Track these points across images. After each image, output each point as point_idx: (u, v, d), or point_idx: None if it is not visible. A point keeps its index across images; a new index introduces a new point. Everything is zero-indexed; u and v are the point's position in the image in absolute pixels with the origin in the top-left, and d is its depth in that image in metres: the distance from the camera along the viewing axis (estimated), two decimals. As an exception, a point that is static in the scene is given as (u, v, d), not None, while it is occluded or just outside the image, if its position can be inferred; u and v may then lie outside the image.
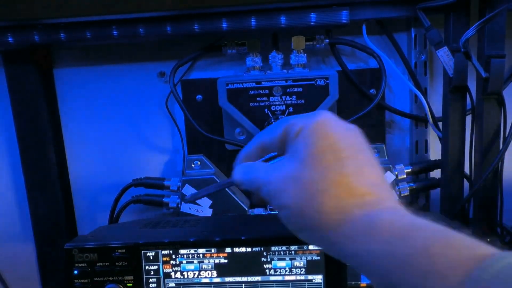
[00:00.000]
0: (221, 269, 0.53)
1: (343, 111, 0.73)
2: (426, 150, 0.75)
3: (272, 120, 0.68)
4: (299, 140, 0.33)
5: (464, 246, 0.26)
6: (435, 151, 0.75)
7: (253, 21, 0.64)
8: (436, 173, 0.73)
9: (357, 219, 0.30)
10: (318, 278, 0.52)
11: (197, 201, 0.71)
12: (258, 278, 0.53)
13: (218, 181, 0.71)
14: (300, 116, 0.35)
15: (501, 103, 0.61)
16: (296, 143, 0.34)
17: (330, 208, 0.31)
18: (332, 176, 0.31)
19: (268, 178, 0.35)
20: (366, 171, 0.32)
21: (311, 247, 0.52)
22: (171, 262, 0.53)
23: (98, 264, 0.53)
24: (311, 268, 0.52)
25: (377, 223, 0.29)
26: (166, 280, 0.53)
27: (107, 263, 0.53)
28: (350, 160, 0.32)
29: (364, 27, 0.68)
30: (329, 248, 0.32)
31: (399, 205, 0.32)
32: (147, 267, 0.53)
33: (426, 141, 0.75)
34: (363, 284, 0.52)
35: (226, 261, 0.53)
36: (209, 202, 0.71)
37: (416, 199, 0.77)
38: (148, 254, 0.53)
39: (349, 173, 0.31)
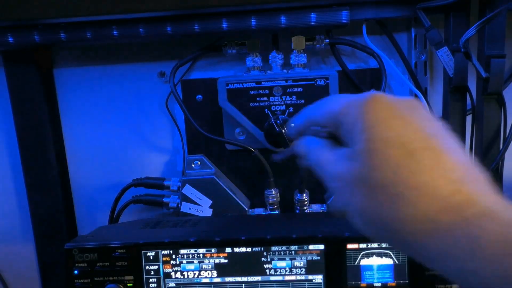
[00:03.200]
0: (221, 269, 0.53)
1: (343, 111, 0.73)
2: (426, 150, 0.75)
3: (272, 121, 0.67)
4: (357, 132, 0.28)
5: None
6: (435, 151, 0.75)
7: (253, 21, 0.64)
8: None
9: (449, 229, 0.24)
10: (318, 278, 0.52)
11: (197, 201, 0.71)
12: (258, 278, 0.53)
13: (218, 181, 0.71)
14: (351, 99, 0.30)
15: (501, 103, 0.61)
16: (356, 136, 0.28)
17: (409, 216, 0.25)
18: (404, 176, 0.26)
19: (333, 172, 0.30)
20: (446, 161, 0.26)
21: (311, 247, 0.52)
22: (171, 262, 0.53)
23: (98, 264, 0.53)
24: (311, 268, 0.52)
25: (479, 235, 0.23)
26: (166, 280, 0.53)
27: (107, 263, 0.53)
28: (424, 151, 0.26)
29: (364, 27, 0.68)
30: (421, 259, 0.27)
31: (499, 199, 0.25)
32: (147, 267, 0.53)
33: (426, 141, 0.75)
34: (363, 284, 0.52)
35: (226, 261, 0.53)
36: (209, 202, 0.71)
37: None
38: (148, 254, 0.53)
39: (424, 169, 0.26)
